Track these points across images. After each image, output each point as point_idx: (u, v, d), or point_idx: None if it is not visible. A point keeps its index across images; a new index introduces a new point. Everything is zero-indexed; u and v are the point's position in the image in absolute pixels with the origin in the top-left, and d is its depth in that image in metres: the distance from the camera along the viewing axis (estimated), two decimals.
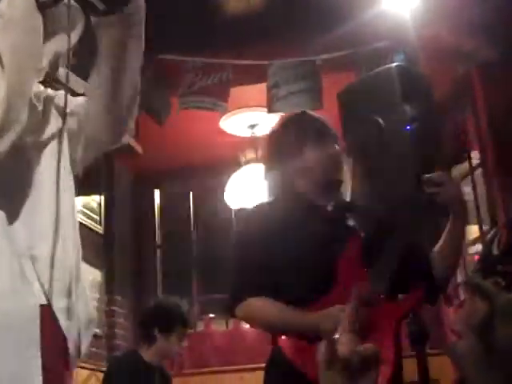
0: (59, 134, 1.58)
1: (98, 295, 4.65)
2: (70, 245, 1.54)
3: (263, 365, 4.32)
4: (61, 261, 1.49)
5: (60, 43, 1.56)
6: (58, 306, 1.47)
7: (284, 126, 2.31)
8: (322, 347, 1.06)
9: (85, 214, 4.61)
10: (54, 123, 1.58)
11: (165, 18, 3.63)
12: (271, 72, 3.72)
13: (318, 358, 1.04)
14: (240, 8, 3.68)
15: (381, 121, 3.02)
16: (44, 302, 1.44)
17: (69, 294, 1.49)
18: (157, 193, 5.61)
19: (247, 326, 4.87)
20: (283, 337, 2.03)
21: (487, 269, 2.86)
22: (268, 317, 2.04)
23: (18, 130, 1.40)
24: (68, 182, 1.59)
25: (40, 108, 1.54)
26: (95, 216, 4.78)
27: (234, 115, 4.54)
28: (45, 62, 1.55)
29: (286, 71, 3.68)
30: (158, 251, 5.52)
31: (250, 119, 4.65)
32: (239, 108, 4.45)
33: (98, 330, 4.52)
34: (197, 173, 5.23)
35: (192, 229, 5.54)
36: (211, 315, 5.24)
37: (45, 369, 1.41)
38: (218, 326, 5.14)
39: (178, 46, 3.80)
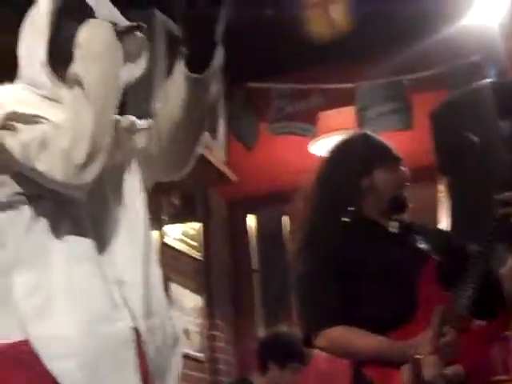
0: (130, 158, 1.61)
1: (199, 320, 4.73)
2: (153, 267, 1.57)
3: None
4: (144, 283, 1.51)
5: (130, 72, 1.59)
6: (145, 328, 1.48)
7: (348, 146, 2.27)
8: (405, 370, 1.04)
9: (184, 242, 4.71)
10: (125, 146, 1.60)
11: (252, 45, 3.69)
12: (359, 94, 3.71)
13: (403, 381, 1.02)
14: (325, 32, 3.68)
15: (475, 138, 2.95)
16: (133, 325, 1.46)
17: (153, 316, 1.51)
18: (252, 218, 5.66)
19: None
20: (368, 364, 1.98)
21: None
22: (354, 345, 1.98)
23: (104, 157, 1.43)
24: (143, 204, 1.61)
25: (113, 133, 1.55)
26: (194, 243, 4.89)
27: (323, 139, 4.53)
28: None
29: (374, 93, 3.66)
30: (255, 275, 5.56)
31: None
32: (328, 132, 4.45)
33: (200, 355, 4.60)
34: (289, 197, 5.24)
35: (288, 252, 5.54)
36: None
37: None
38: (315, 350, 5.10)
39: (265, 73, 3.85)
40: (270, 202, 5.34)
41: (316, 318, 2.05)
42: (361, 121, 3.72)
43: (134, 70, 1.61)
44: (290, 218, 5.53)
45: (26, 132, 1.42)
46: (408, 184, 2.16)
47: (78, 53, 1.45)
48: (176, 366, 1.57)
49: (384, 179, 2.12)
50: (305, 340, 2.08)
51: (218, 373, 4.84)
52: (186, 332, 4.54)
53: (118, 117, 1.58)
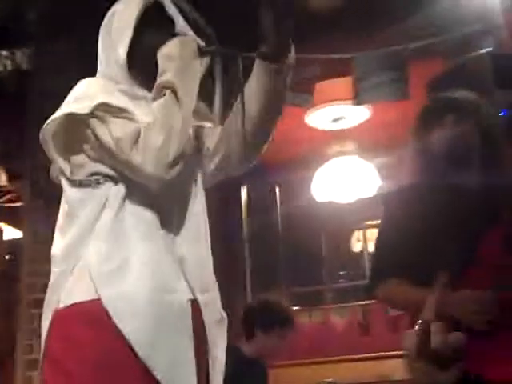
0: (196, 155, 1.84)
1: None
2: (207, 249, 1.80)
3: (354, 356, 4.32)
4: (202, 262, 1.74)
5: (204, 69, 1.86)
6: (202, 300, 1.68)
7: (423, 107, 2.34)
8: (410, 336, 1.04)
9: None
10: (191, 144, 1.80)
11: (248, 16, 3.69)
12: (356, 64, 3.71)
13: (407, 347, 1.02)
14: (322, 2, 3.70)
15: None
16: (191, 297, 1.65)
17: (207, 292, 1.72)
18: (243, 189, 5.70)
19: (333, 316, 4.92)
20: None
21: None
22: (400, 298, 2.11)
23: (187, 156, 1.66)
24: (202, 195, 1.88)
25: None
26: None
27: (318, 109, 4.57)
28: None
29: (372, 63, 3.66)
30: (246, 246, 5.61)
31: (335, 113, 4.68)
32: (324, 102, 4.48)
33: None
34: (283, 168, 5.28)
35: (279, 223, 5.60)
36: (295, 307, 5.30)
37: (195, 357, 1.61)
38: (302, 318, 5.18)
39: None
40: (263, 172, 5.37)
41: (378, 272, 2.18)
42: (358, 91, 3.74)
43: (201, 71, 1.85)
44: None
45: (117, 125, 1.62)
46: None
47: (170, 63, 1.68)
48: (224, 339, 1.74)
49: (438, 139, 2.18)
50: (368, 291, 2.19)
51: None
52: None
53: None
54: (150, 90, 1.73)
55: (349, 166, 4.62)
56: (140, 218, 1.66)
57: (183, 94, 1.65)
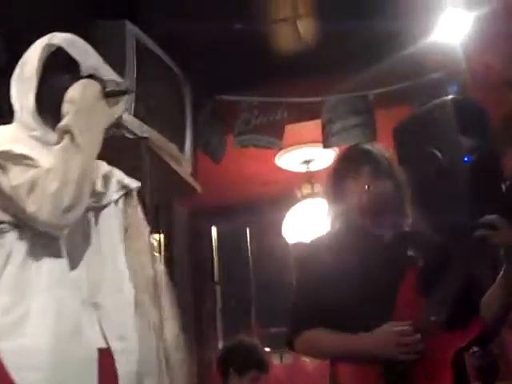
0: (116, 200, 1.86)
1: None
2: (126, 295, 1.76)
3: None
4: (119, 310, 1.70)
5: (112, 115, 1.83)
6: (116, 348, 1.64)
7: (337, 160, 2.40)
8: None
9: None
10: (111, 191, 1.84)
11: (218, 59, 3.75)
12: (325, 108, 3.79)
13: None
14: (292, 46, 3.76)
15: (438, 153, 3.06)
16: (103, 345, 1.63)
17: (125, 339, 1.68)
18: (214, 230, 5.69)
19: (304, 359, 4.89)
20: (338, 364, 2.05)
21: None
22: (323, 346, 2.10)
23: (87, 201, 1.66)
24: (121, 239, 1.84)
25: (100, 182, 1.82)
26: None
27: (289, 152, 4.60)
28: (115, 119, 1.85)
29: (340, 107, 3.74)
30: (217, 287, 5.59)
31: (305, 155, 4.71)
32: (294, 144, 4.52)
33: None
34: (253, 209, 5.30)
35: (250, 264, 5.59)
36: (267, 349, 5.26)
37: None
38: (273, 359, 5.14)
39: (233, 86, 3.91)
40: (233, 213, 5.38)
41: (295, 324, 2.17)
42: (326, 134, 3.79)
43: (116, 112, 1.85)
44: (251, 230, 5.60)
45: (16, 173, 1.62)
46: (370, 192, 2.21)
47: (70, 107, 1.68)
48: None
49: (355, 193, 2.21)
50: (287, 344, 2.18)
51: None
52: None
53: (107, 166, 1.84)
54: None
55: (318, 208, 4.65)
56: (46, 265, 1.64)
57: (83, 137, 1.64)
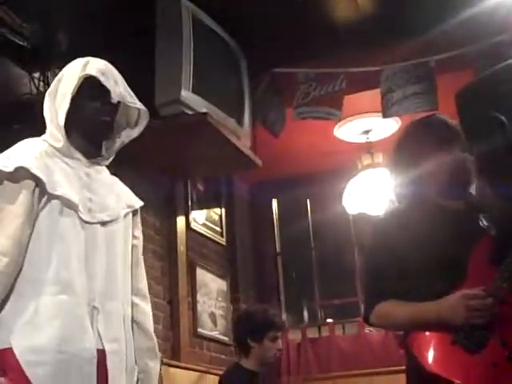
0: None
1: (224, 304, 4.80)
2: (122, 301, 1.97)
3: (389, 368, 4.29)
4: (111, 314, 1.91)
5: (128, 135, 2.15)
6: (109, 349, 1.86)
7: (412, 130, 2.34)
8: None
9: (208, 227, 4.78)
10: None
11: (275, 32, 3.74)
12: (384, 77, 3.74)
13: None
14: (349, 14, 3.71)
15: (503, 118, 2.98)
16: (100, 346, 1.84)
17: (117, 341, 1.90)
18: (274, 202, 5.72)
19: (367, 330, 4.90)
20: (412, 333, 2.04)
21: None
22: (397, 317, 2.08)
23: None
24: (124, 249, 2.04)
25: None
26: (218, 228, 4.95)
27: (348, 122, 4.58)
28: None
29: (399, 75, 3.68)
30: (279, 258, 5.63)
31: (364, 125, 4.68)
32: (353, 115, 4.49)
33: (225, 338, 4.68)
34: (313, 181, 5.30)
35: (311, 236, 5.60)
36: (329, 320, 5.29)
37: None
38: (336, 331, 5.15)
39: (290, 59, 3.90)
40: (293, 185, 5.39)
41: (370, 298, 2.17)
42: (386, 103, 3.75)
43: (132, 134, 2.14)
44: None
45: None
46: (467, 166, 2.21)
47: None
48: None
49: (441, 163, 2.18)
50: (364, 320, 2.20)
51: None
52: (213, 316, 4.62)
53: None
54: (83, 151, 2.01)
55: (379, 179, 4.61)
56: (54, 271, 1.84)
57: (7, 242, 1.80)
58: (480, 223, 2.10)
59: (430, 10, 3.40)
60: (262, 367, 3.56)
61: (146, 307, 2.10)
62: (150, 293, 3.75)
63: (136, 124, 2.13)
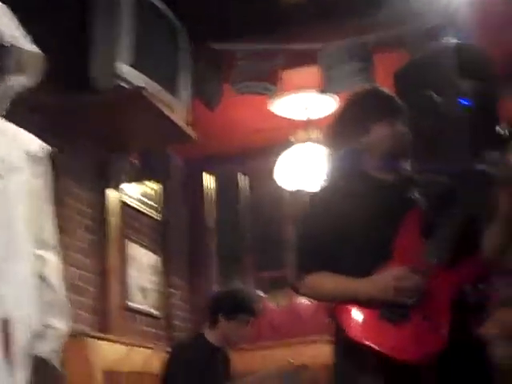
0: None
1: (155, 278, 4.78)
2: (24, 258, 1.82)
3: (319, 337, 4.37)
4: (15, 280, 1.76)
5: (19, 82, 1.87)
6: (15, 318, 1.74)
7: (353, 101, 2.34)
8: None
9: (142, 202, 4.74)
10: None
11: (216, 6, 3.71)
12: (323, 54, 3.77)
13: None
14: None
15: (437, 97, 3.07)
16: (4, 315, 1.72)
17: (20, 308, 1.77)
18: (210, 177, 5.70)
19: (299, 301, 4.97)
20: (340, 306, 2.08)
21: None
22: (326, 289, 2.13)
23: None
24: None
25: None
26: (152, 203, 4.91)
27: (285, 97, 4.59)
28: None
29: (339, 53, 3.73)
30: (212, 233, 5.63)
31: (301, 101, 4.69)
32: (291, 90, 4.50)
33: (156, 312, 4.68)
34: (249, 156, 5.31)
35: (245, 211, 5.62)
36: (261, 293, 5.34)
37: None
38: (269, 303, 5.22)
39: (229, 34, 3.88)
40: (229, 161, 5.39)
41: (299, 268, 2.20)
42: (325, 80, 3.79)
43: (25, 81, 1.86)
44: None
45: None
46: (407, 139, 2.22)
47: None
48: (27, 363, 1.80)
49: (381, 136, 2.20)
50: (292, 288, 2.22)
51: (173, 329, 4.93)
52: (144, 290, 4.60)
53: None
54: None
55: (313, 154, 4.64)
56: None
57: None
58: (410, 196, 2.14)
59: None
60: (224, 344, 3.57)
61: (51, 259, 1.91)
62: (79, 266, 3.76)
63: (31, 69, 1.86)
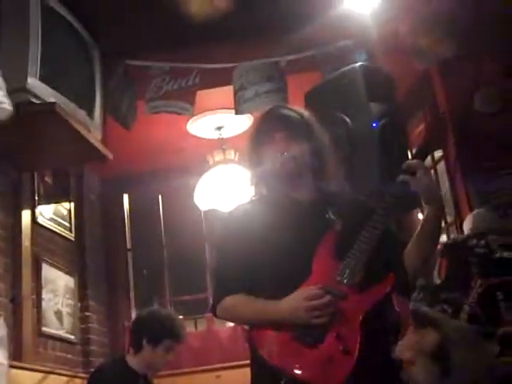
0: None
1: (71, 302, 4.66)
2: None
3: (237, 362, 4.35)
4: None
5: None
6: None
7: (254, 126, 2.36)
8: None
9: (56, 222, 4.61)
10: None
11: (132, 23, 3.68)
12: (237, 74, 3.79)
13: None
14: (204, 11, 3.72)
15: (347, 119, 3.13)
16: None
17: None
18: (126, 197, 5.62)
19: (218, 326, 4.95)
20: (256, 328, 2.08)
21: (431, 297, 2.93)
22: (242, 312, 2.11)
23: None
24: None
25: None
26: (66, 223, 4.79)
27: (201, 118, 4.59)
28: None
29: (252, 73, 3.75)
30: (129, 255, 5.54)
31: (216, 121, 4.71)
32: (206, 111, 4.51)
33: (71, 336, 4.54)
34: (165, 176, 5.27)
35: (162, 232, 5.57)
36: (180, 316, 5.28)
37: None
38: (188, 327, 5.17)
39: (144, 51, 3.85)
40: (145, 181, 5.34)
41: (217, 291, 2.19)
42: (238, 100, 3.80)
43: None
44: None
45: None
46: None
47: None
48: None
49: (268, 158, 2.20)
50: (211, 311, 2.20)
51: (90, 354, 4.80)
52: (59, 314, 4.47)
53: None
54: None
55: (230, 175, 4.66)
56: None
57: None
58: (327, 216, 2.15)
59: (284, 10, 3.49)
60: (147, 371, 3.42)
61: None
62: None
63: None
